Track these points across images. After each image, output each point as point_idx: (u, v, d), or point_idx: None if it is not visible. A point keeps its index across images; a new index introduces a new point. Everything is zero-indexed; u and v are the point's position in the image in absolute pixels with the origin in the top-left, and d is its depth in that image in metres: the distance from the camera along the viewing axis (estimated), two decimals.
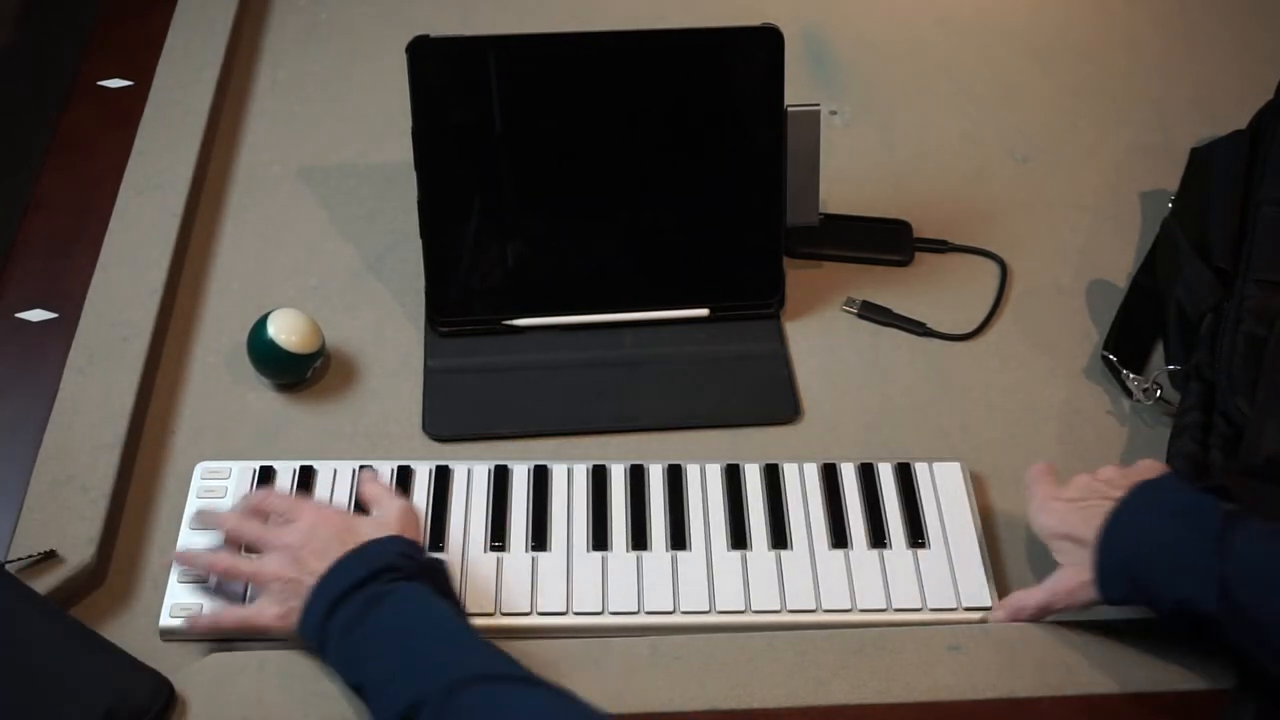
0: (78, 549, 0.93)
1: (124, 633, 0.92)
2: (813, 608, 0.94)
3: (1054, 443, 1.06)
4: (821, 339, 1.14)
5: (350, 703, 0.87)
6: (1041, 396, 1.10)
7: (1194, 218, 1.13)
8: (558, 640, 0.91)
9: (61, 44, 1.56)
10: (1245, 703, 0.87)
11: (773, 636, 0.91)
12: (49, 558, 0.92)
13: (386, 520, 0.91)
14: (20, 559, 0.91)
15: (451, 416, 1.06)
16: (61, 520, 0.95)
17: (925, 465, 1.02)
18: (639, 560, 0.96)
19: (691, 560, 0.96)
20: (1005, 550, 1.00)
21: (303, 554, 0.87)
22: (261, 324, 1.05)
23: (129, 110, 1.26)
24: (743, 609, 0.94)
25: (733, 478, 1.01)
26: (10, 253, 1.14)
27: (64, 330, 1.07)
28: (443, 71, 1.06)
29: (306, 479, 0.99)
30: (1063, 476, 1.03)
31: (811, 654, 0.90)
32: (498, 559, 0.96)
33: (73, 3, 1.55)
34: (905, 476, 1.01)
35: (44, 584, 0.91)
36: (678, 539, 0.97)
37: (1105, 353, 1.11)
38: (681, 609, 0.94)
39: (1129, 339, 1.12)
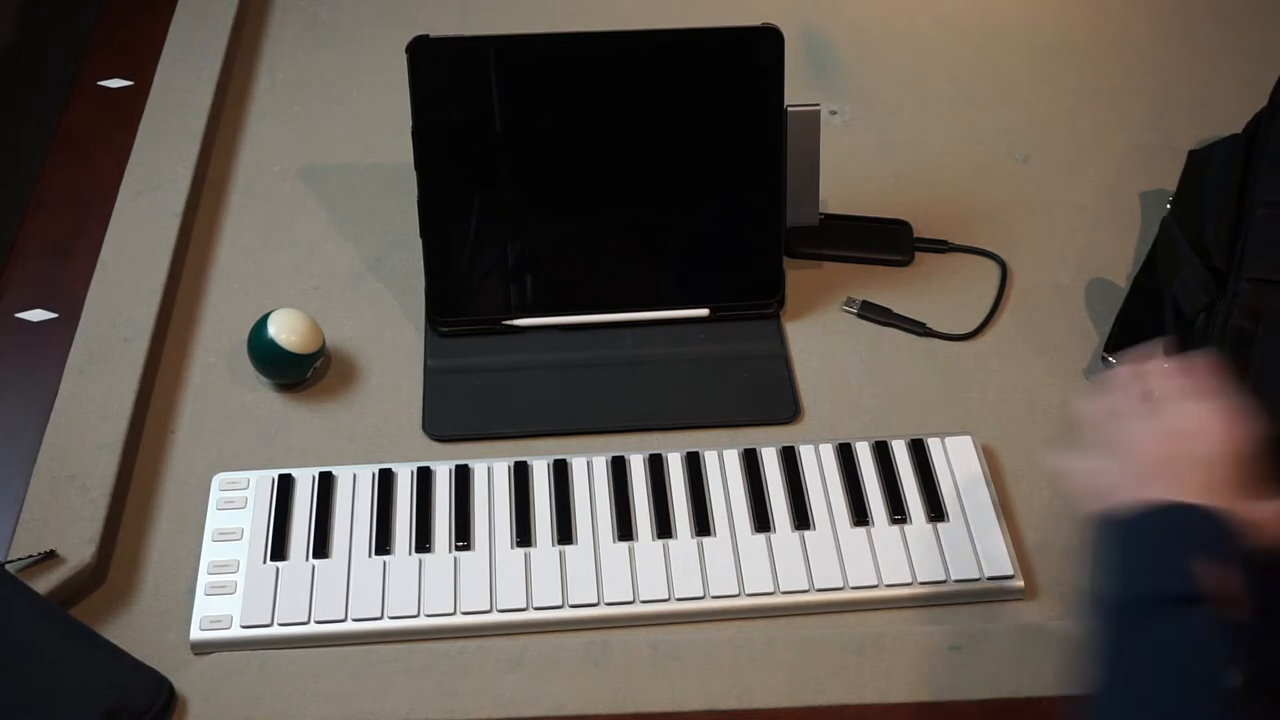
0: (78, 549, 0.93)
1: (124, 633, 0.92)
2: (840, 585, 0.95)
3: (1054, 443, 1.06)
4: (821, 339, 1.14)
5: (350, 703, 0.87)
6: (1041, 396, 1.10)
7: (1192, 218, 1.14)
8: (557, 638, 0.92)
9: (61, 44, 1.56)
10: (1248, 702, 0.87)
11: (773, 636, 0.91)
12: (49, 558, 0.92)
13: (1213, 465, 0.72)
14: (20, 559, 0.91)
15: (451, 416, 1.06)
16: (61, 520, 0.95)
17: (938, 440, 1.03)
18: (665, 548, 0.97)
19: (717, 545, 0.97)
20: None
21: (1150, 464, 0.73)
22: (261, 324, 1.05)
23: (129, 110, 1.26)
24: (771, 590, 0.95)
25: (750, 461, 1.02)
26: (10, 253, 1.14)
27: (64, 330, 1.07)
28: (443, 71, 1.06)
29: (326, 485, 0.99)
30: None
31: (811, 654, 0.90)
32: (525, 554, 0.96)
33: (73, 3, 1.55)
34: (919, 452, 1.02)
35: (44, 584, 0.91)
36: (701, 525, 0.98)
37: (1105, 354, 1.11)
38: (711, 594, 0.94)
39: (1129, 340, 1.12)
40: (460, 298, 1.11)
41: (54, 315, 1.09)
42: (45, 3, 1.60)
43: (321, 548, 0.96)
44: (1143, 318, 1.14)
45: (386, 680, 0.88)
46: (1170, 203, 1.19)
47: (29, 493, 0.96)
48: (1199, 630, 0.66)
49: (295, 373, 1.07)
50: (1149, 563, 0.70)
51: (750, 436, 1.06)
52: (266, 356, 1.05)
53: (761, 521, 0.98)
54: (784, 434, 1.06)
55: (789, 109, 1.10)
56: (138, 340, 1.07)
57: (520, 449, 1.04)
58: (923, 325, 1.14)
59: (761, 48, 1.08)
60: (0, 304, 1.10)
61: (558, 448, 1.04)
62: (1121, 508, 0.73)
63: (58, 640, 0.86)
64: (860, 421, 1.07)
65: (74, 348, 1.06)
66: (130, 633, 0.92)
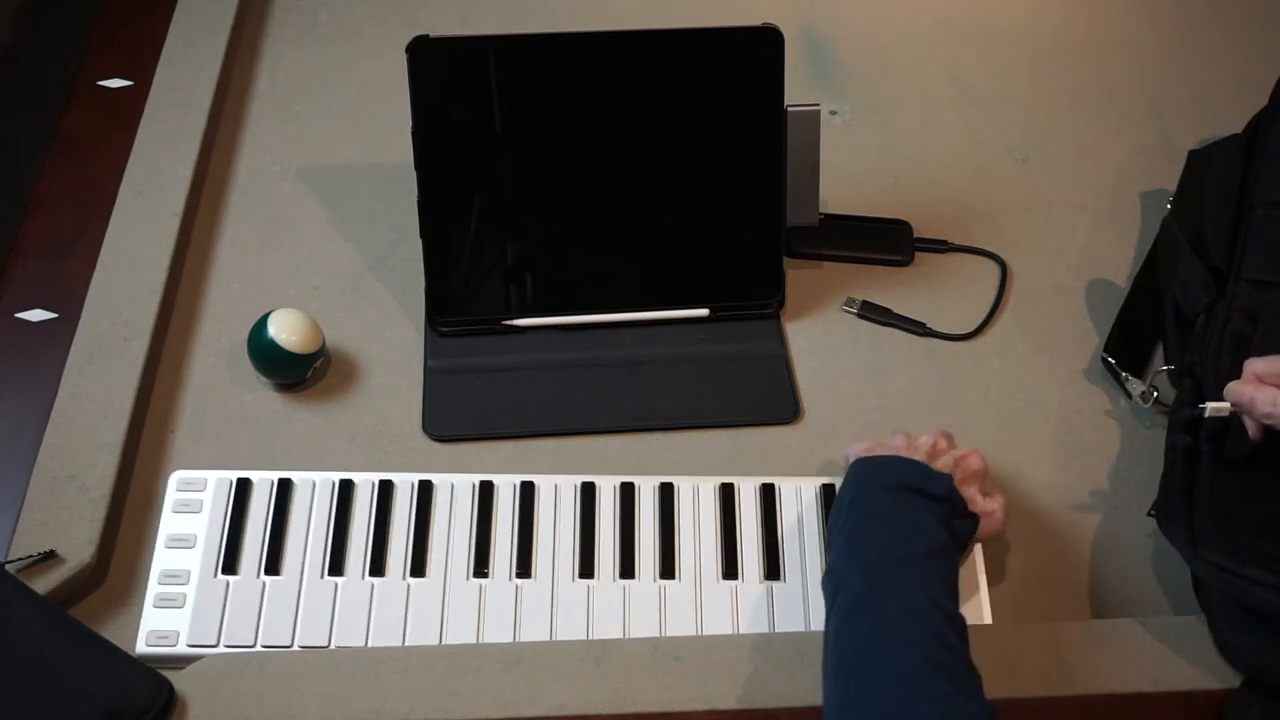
0: (78, 549, 0.93)
1: (124, 633, 0.92)
2: (803, 628, 0.94)
3: (1053, 443, 1.06)
4: (821, 339, 1.14)
5: (350, 703, 0.87)
6: (1041, 396, 1.10)
7: (1192, 218, 1.14)
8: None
9: (61, 44, 1.56)
10: (1250, 703, 0.87)
11: (772, 636, 0.91)
12: (49, 558, 0.92)
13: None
14: (20, 559, 0.91)
15: (451, 417, 1.06)
16: (61, 520, 0.95)
17: None
18: (625, 590, 0.95)
19: (680, 590, 0.96)
20: (1004, 552, 1.00)
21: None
22: (262, 324, 1.05)
23: (129, 110, 1.26)
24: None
25: (727, 498, 1.00)
26: (10, 253, 1.14)
27: (64, 330, 1.07)
28: (443, 71, 1.06)
29: (285, 491, 0.98)
30: (1059, 476, 1.04)
31: (812, 654, 0.90)
32: (480, 586, 0.95)
33: (73, 3, 1.55)
34: None
35: (44, 584, 0.91)
36: (667, 568, 0.97)
37: (1105, 355, 1.11)
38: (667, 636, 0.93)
39: (1130, 340, 1.12)
40: (460, 298, 1.11)
41: (54, 315, 1.09)
42: (45, 3, 1.60)
43: (274, 563, 0.94)
44: (1143, 318, 1.14)
45: (386, 680, 0.88)
46: (1170, 203, 1.19)
47: (29, 493, 0.96)
48: (927, 512, 0.90)
49: (295, 373, 1.07)
50: (902, 474, 0.93)
51: (750, 436, 1.06)
52: (266, 356, 1.05)
53: (730, 569, 0.97)
54: (784, 434, 1.06)
55: (789, 109, 1.10)
56: (138, 340, 1.07)
57: (520, 449, 1.04)
58: (923, 325, 1.14)
59: (761, 48, 1.08)
60: (0, 304, 1.10)
61: (557, 447, 1.04)
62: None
63: (58, 640, 0.86)
64: (860, 422, 1.07)
65: (74, 348, 1.06)
66: (130, 633, 0.92)
